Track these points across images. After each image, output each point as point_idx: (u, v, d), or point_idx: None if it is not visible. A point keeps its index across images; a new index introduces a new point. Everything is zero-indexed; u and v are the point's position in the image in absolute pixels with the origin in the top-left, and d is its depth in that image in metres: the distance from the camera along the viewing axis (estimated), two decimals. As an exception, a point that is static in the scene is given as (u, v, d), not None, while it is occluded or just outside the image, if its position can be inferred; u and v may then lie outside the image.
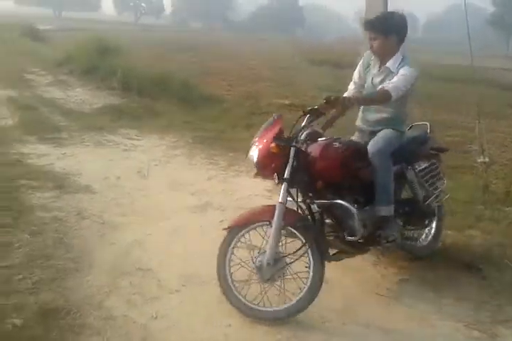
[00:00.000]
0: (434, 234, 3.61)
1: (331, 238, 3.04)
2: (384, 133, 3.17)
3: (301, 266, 2.79)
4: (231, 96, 10.26)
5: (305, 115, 2.89)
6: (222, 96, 10.13)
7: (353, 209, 2.87)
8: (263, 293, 2.79)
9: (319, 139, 3.05)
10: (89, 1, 66.56)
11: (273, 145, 2.77)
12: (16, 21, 22.26)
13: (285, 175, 2.78)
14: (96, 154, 5.81)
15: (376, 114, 3.27)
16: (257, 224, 2.85)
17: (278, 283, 2.80)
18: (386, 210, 3.04)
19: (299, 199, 2.91)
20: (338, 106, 2.85)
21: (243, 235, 2.87)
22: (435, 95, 11.29)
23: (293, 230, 2.81)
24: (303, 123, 2.91)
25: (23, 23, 21.48)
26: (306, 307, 2.76)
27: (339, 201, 2.89)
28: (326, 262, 2.87)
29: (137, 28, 41.34)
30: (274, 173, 2.86)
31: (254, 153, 2.84)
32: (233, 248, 2.87)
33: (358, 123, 3.41)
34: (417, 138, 3.46)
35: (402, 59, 3.12)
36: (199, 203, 4.45)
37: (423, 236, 3.60)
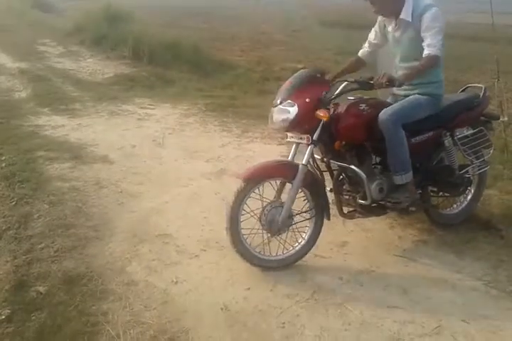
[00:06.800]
0: (469, 202, 3.49)
1: (346, 197, 3.11)
2: (405, 101, 3.04)
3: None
4: (243, 62, 10.09)
5: (351, 83, 2.89)
6: (235, 62, 9.97)
7: (363, 175, 2.89)
8: (266, 242, 2.94)
9: (348, 98, 3.01)
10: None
11: (323, 112, 2.76)
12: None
13: (314, 137, 2.82)
14: (110, 124, 5.82)
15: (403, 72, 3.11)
16: (275, 179, 2.92)
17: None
18: (400, 179, 2.97)
19: (318, 157, 3.04)
20: (388, 86, 2.77)
21: (257, 187, 2.88)
22: (455, 55, 10.96)
23: (307, 192, 2.95)
24: (340, 89, 2.97)
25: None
26: (299, 259, 2.96)
27: (352, 166, 2.92)
28: (345, 218, 3.17)
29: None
30: (305, 133, 2.85)
31: (293, 109, 2.78)
32: (247, 198, 2.88)
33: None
34: (461, 102, 3.23)
35: (414, 4, 2.95)
36: (214, 170, 4.45)
37: (456, 204, 3.50)
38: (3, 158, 4.48)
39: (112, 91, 7.50)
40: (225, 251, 3.04)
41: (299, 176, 2.80)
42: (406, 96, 3.11)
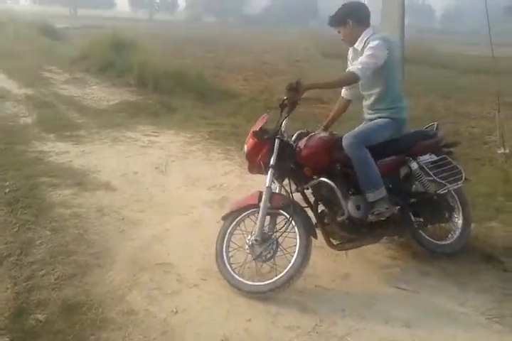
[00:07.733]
0: (461, 230, 3.50)
1: (330, 226, 3.18)
2: (367, 125, 3.25)
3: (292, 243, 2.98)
4: (246, 91, 10.23)
5: (282, 107, 3.06)
6: (238, 91, 10.11)
7: (334, 185, 3.02)
8: (257, 269, 3.02)
9: (310, 134, 3.26)
10: (104, -1, 66.98)
11: (252, 139, 3.08)
12: (34, 20, 22.36)
13: (270, 163, 3.02)
14: (114, 151, 5.85)
15: (367, 100, 3.35)
16: (248, 210, 3.11)
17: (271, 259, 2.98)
18: (372, 196, 3.06)
19: (292, 188, 3.15)
20: (300, 91, 2.89)
21: (238, 222, 3.15)
22: (457, 87, 11.14)
23: (279, 211, 3.02)
24: (282, 115, 3.09)
25: (40, 22, 21.61)
26: (295, 279, 2.89)
27: (322, 178, 3.07)
28: (335, 250, 3.21)
29: (152, 24, 41.37)
30: (260, 164, 3.09)
31: (244, 148, 3.19)
32: (230, 234, 3.13)
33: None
34: (418, 132, 3.46)
35: (369, 36, 3.13)
36: (216, 198, 4.46)
37: (450, 234, 3.51)
38: (7, 183, 4.49)
39: (116, 118, 7.57)
40: (225, 281, 3.02)
41: (264, 198, 2.97)
42: (371, 120, 3.31)
